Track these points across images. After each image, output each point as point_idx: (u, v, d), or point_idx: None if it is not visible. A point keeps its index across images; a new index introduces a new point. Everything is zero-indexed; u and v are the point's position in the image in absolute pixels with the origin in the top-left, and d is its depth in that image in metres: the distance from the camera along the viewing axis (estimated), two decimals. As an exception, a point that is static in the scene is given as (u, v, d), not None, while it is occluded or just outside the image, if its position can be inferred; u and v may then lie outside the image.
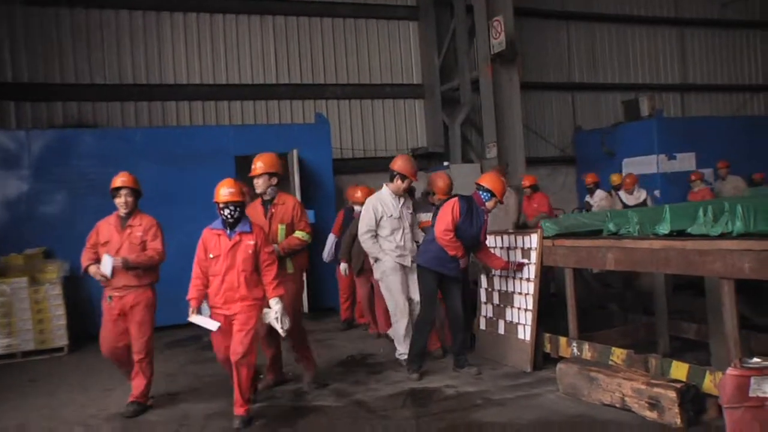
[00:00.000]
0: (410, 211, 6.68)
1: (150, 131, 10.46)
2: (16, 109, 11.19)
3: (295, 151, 9.72)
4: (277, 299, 5.06)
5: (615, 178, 11.81)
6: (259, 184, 5.79)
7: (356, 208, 8.39)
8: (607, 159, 13.86)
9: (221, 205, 5.04)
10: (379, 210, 6.44)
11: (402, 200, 6.58)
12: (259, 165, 5.81)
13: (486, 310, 6.77)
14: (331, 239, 8.94)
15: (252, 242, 5.06)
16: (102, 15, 11.70)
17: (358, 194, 8.37)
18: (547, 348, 6.02)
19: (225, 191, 5.03)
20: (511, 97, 12.18)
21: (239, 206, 5.06)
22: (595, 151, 14.22)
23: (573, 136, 15.39)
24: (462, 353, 6.18)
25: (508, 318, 6.38)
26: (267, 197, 5.84)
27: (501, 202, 6.18)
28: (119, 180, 5.72)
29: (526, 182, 10.83)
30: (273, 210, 5.78)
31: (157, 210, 9.39)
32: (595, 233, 6.34)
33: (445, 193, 7.18)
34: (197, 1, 12.30)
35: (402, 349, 6.39)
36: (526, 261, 6.20)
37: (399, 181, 6.45)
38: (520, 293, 6.24)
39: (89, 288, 8.92)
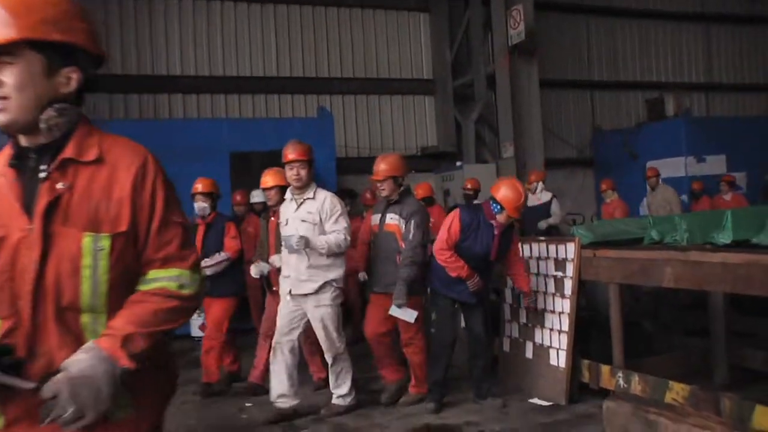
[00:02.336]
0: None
1: (136, 124, 9.62)
2: None
3: (295, 147, 8.83)
4: None
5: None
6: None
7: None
8: (629, 161, 12.96)
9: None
10: None
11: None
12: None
13: (510, 330, 5.88)
14: None
15: None
16: (89, 2, 10.84)
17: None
18: (586, 377, 5.13)
19: None
20: (529, 92, 11.35)
21: None
22: (615, 152, 13.33)
23: (592, 137, 14.51)
24: (484, 381, 5.29)
25: (538, 340, 5.49)
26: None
27: (516, 218, 5.12)
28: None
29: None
30: None
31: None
32: (635, 242, 5.55)
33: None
34: (193, -14, 11.49)
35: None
36: (531, 303, 5.40)
37: None
38: (553, 311, 5.35)
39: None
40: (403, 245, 5.05)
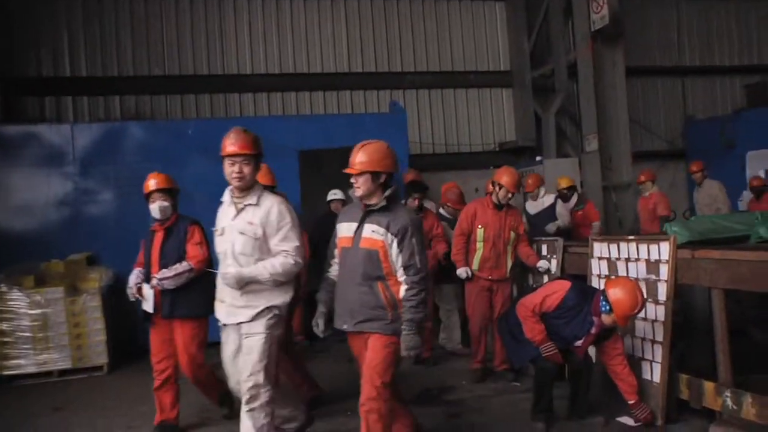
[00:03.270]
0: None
1: (203, 123, 9.46)
2: (74, 104, 10.51)
3: (364, 144, 8.49)
4: None
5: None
6: None
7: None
8: (725, 152, 11.96)
9: None
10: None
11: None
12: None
13: (597, 338, 5.31)
14: None
15: None
16: (162, 3, 10.86)
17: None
18: (684, 394, 4.53)
19: None
20: (614, 81, 10.67)
21: None
22: (710, 142, 12.34)
23: (683, 127, 13.52)
24: (584, 399, 4.77)
25: (629, 351, 4.91)
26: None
27: (621, 325, 4.50)
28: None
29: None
30: None
31: (208, 211, 8.40)
32: (738, 240, 4.91)
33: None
34: (262, -16, 11.34)
35: None
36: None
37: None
38: (645, 319, 4.76)
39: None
40: (395, 271, 3.70)
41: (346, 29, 11.75)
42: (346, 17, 11.75)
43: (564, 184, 8.49)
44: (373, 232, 3.70)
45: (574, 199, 8.40)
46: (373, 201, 3.74)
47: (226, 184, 4.06)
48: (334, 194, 8.17)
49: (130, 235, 8.16)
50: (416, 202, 6.74)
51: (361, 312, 3.68)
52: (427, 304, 3.70)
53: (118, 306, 7.69)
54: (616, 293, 4.29)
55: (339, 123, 9.46)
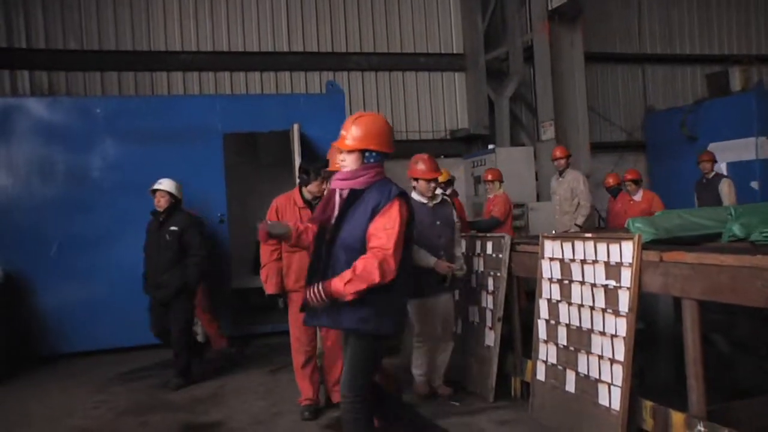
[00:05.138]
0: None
1: (115, 101, 8.41)
2: (-25, 78, 9.39)
3: (296, 127, 7.60)
4: None
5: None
6: None
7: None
8: (686, 144, 11.40)
9: None
10: None
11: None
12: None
13: (546, 353, 4.53)
14: None
15: None
16: (79, -31, 9.80)
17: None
18: (648, 425, 3.76)
19: None
20: (572, 65, 9.99)
21: None
22: (671, 134, 11.77)
23: (644, 118, 12.94)
24: None
25: (582, 370, 4.14)
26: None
27: None
28: None
29: (629, 176, 8.09)
30: None
31: (121, 201, 7.35)
32: (709, 239, 4.16)
33: None
34: (193, -47, 10.32)
35: None
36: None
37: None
38: (603, 333, 3.98)
39: (35, 299, 7.13)
40: None
41: (286, 5, 10.83)
42: (286, -8, 10.82)
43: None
44: None
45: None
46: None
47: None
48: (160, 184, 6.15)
49: (27, 224, 7.22)
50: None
51: None
52: None
53: (11, 308, 6.80)
54: None
55: (270, 104, 8.52)
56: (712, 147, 10.95)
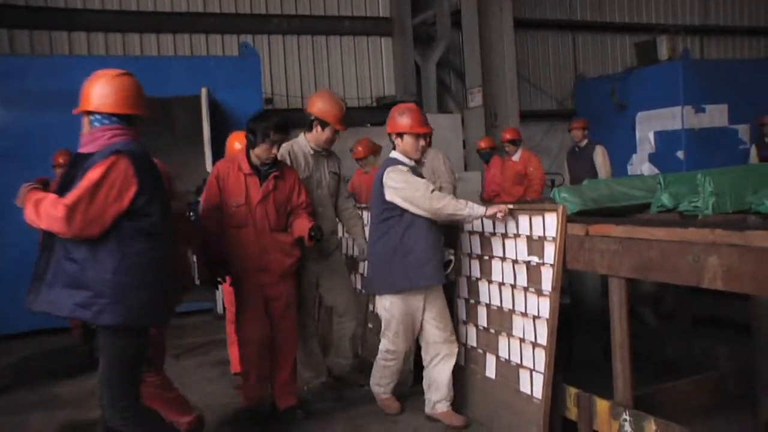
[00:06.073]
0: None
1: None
2: None
3: (204, 91, 6.99)
4: None
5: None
6: None
7: None
8: (616, 112, 11.26)
9: None
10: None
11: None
12: None
13: (467, 335, 4.18)
14: None
15: None
16: None
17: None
18: (572, 414, 3.46)
19: None
20: (501, 30, 9.65)
21: None
22: (601, 103, 11.61)
23: (574, 86, 12.78)
24: None
25: (503, 354, 3.80)
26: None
27: None
28: None
29: (507, 135, 7.76)
30: None
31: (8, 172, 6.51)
32: (637, 210, 3.94)
33: None
34: None
35: None
36: None
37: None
38: (526, 314, 3.64)
39: None
40: None
41: (199, -39, 10.09)
42: (197, -53, 10.07)
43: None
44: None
45: None
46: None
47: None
48: None
49: None
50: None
51: None
52: None
53: None
54: None
55: (177, 67, 7.86)
56: (641, 115, 10.92)
